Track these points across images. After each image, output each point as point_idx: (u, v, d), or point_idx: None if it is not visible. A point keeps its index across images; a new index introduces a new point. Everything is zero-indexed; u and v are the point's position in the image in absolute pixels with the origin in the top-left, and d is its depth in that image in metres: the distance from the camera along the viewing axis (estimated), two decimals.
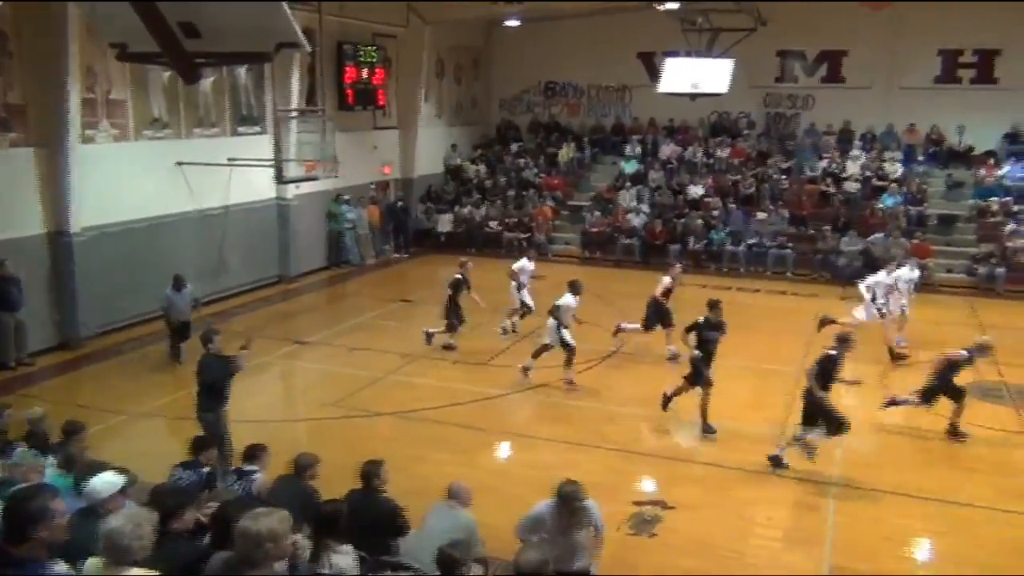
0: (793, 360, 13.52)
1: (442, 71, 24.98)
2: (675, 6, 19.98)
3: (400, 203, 22.90)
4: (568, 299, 12.47)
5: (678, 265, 15.19)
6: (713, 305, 10.72)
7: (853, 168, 22.40)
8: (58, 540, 3.86)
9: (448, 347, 14.16)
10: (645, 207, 22.73)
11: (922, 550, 8.32)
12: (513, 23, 24.17)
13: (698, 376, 10.63)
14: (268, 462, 7.02)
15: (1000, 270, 18.93)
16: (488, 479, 9.20)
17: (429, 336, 14.34)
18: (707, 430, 10.66)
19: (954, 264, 19.80)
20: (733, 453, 10.11)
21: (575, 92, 26.74)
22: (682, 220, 21.75)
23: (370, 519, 6.25)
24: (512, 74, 27.00)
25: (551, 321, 12.38)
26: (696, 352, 10.59)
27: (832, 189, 21.97)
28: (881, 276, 14.29)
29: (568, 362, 12.45)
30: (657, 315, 13.86)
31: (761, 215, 21.53)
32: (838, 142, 23.41)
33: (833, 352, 9.44)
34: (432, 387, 12.53)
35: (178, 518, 5.01)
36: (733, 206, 22.04)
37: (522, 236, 22.43)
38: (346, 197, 20.72)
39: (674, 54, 19.98)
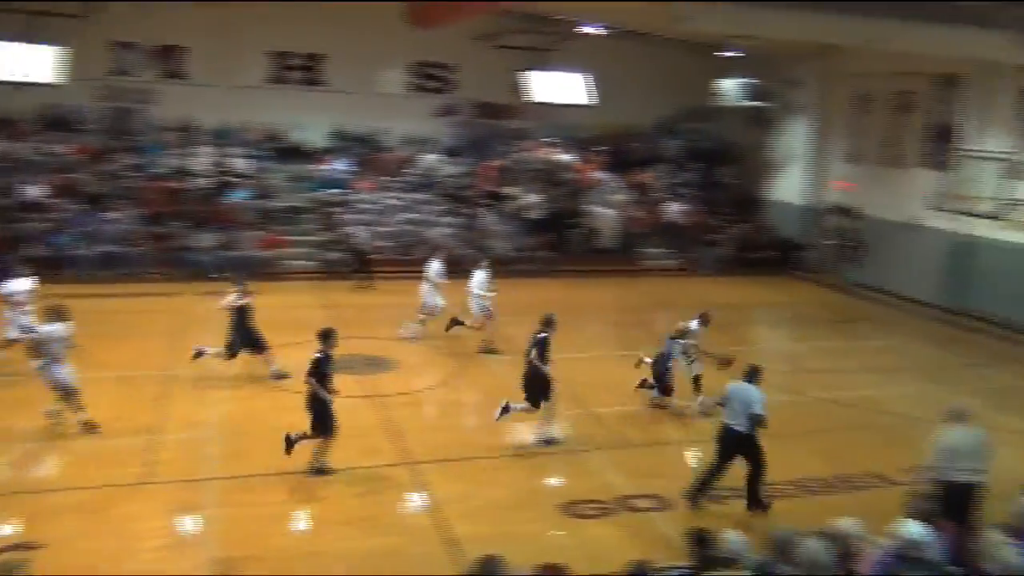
0: (162, 363, 13.31)
1: None
2: None
3: None
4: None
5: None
6: (327, 335, 9.89)
7: (201, 164, 22.63)
8: None
9: None
10: None
11: (300, 519, 8.97)
12: None
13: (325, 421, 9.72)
14: None
15: (341, 255, 21.10)
16: None
17: None
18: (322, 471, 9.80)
19: (302, 252, 21.47)
20: (103, 471, 9.50)
21: None
22: (19, 225, 19.43)
23: None
24: None
25: None
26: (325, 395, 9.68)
27: (183, 185, 21.92)
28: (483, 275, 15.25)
29: None
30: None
31: (112, 215, 20.44)
32: (185, 138, 23.38)
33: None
34: None
35: None
36: (79, 206, 20.47)
37: None
38: None
39: None
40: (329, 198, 22.79)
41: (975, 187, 17.80)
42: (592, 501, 9.29)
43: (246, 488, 9.41)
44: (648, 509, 9.20)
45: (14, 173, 20.90)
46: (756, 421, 8.87)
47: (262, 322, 13.20)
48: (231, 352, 12.83)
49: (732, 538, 5.47)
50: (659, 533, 8.65)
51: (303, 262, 21.24)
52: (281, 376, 12.74)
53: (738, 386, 9.15)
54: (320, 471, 9.73)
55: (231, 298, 12.82)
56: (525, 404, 10.85)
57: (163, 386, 12.37)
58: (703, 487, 9.20)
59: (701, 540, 5.65)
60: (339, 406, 11.84)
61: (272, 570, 7.79)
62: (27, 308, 12.58)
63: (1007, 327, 18.06)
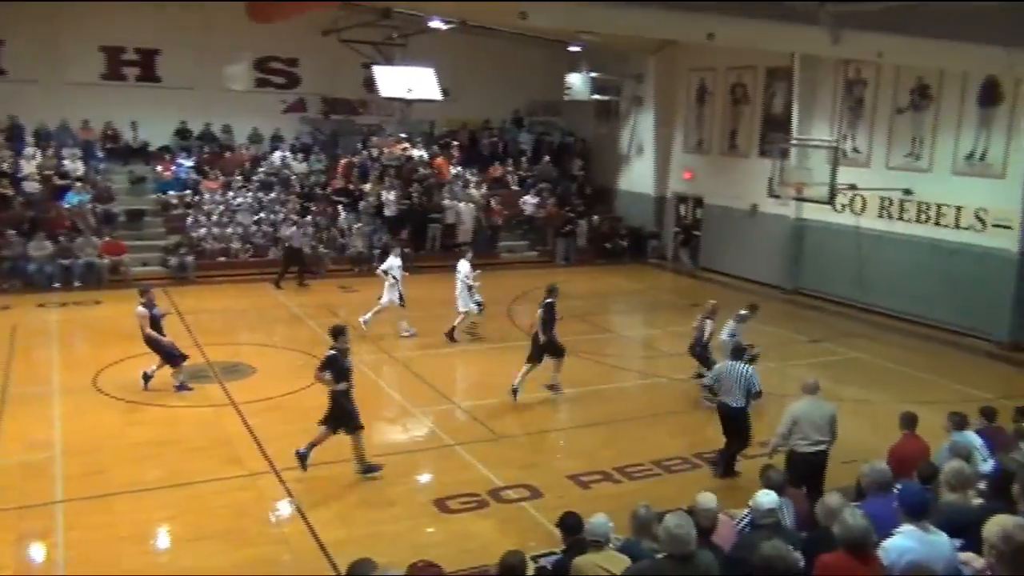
0: None
1: None
2: None
3: None
4: None
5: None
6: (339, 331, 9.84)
7: (30, 167, 21.11)
8: None
9: None
10: None
11: (161, 537, 8.56)
12: None
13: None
14: None
15: (190, 258, 20.25)
16: None
17: None
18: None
19: (147, 257, 20.43)
20: None
21: None
22: None
23: None
24: None
25: None
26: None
27: (10, 191, 20.37)
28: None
29: None
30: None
31: None
32: (8, 140, 21.75)
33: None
34: None
35: None
36: None
37: None
38: None
39: None
40: (174, 199, 21.79)
41: (805, 174, 19.03)
42: (464, 495, 9.31)
43: (101, 509, 8.87)
44: (521, 500, 9.30)
45: None
46: (756, 397, 9.74)
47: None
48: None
49: (598, 521, 5.64)
50: (534, 522, 8.78)
51: (148, 267, 20.22)
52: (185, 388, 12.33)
53: (730, 366, 9.88)
54: (370, 469, 9.69)
55: (140, 310, 12.18)
56: (529, 365, 12.25)
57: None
58: (731, 460, 9.94)
59: (569, 526, 5.81)
60: (198, 416, 11.50)
61: None
62: None
63: (840, 303, 19.44)
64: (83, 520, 8.60)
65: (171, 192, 21.95)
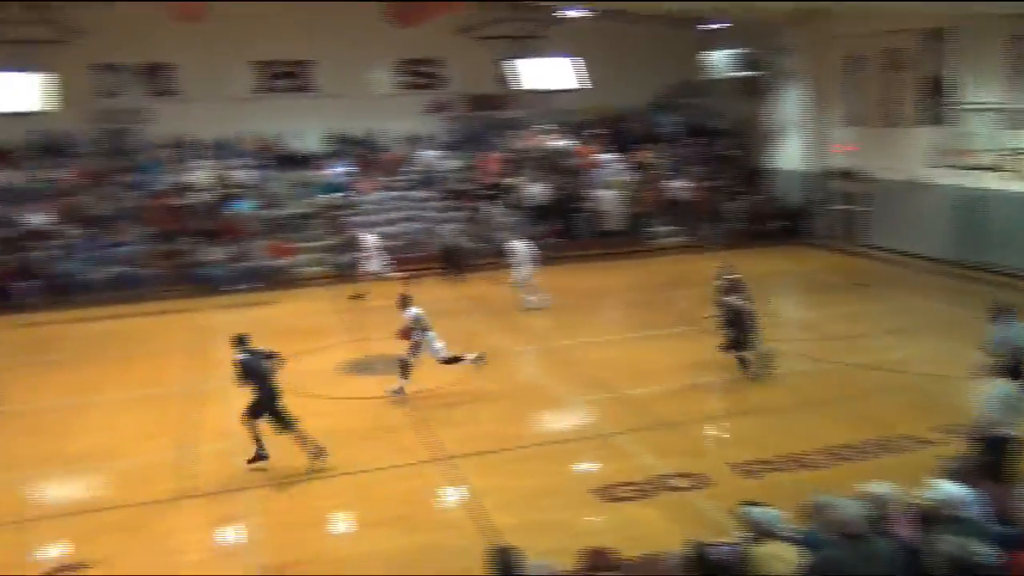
0: (187, 379, 13.39)
1: None
2: None
3: None
4: None
5: None
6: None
7: (201, 178, 22.67)
8: None
9: None
10: None
11: (338, 523, 9.01)
12: None
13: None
14: None
15: (351, 257, 20.99)
16: None
17: None
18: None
19: (315, 258, 21.46)
20: (144, 488, 9.59)
21: None
22: (27, 254, 19.45)
23: None
24: None
25: None
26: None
27: (186, 201, 21.94)
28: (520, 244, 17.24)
29: None
30: None
31: (119, 236, 20.46)
32: (182, 154, 23.42)
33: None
34: None
35: None
36: (84, 231, 20.50)
37: None
38: None
39: None
40: (331, 202, 22.81)
41: (974, 140, 17.70)
42: (627, 484, 9.28)
43: (283, 495, 9.45)
44: (686, 488, 9.20)
45: (14, 202, 20.95)
46: None
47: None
48: None
49: (769, 512, 5.47)
50: (698, 511, 8.66)
51: (314, 268, 21.26)
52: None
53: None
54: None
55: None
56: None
57: (189, 401, 12.43)
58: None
59: (752, 518, 5.64)
60: (366, 407, 12.00)
61: (321, 571, 7.83)
62: None
63: (1018, 277, 18.00)
64: (269, 505, 9.19)
65: (329, 195, 22.98)
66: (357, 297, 18.42)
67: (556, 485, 9.48)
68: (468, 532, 8.47)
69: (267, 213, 22.16)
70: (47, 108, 18.37)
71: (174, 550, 8.30)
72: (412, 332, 12.01)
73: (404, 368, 12.06)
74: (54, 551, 8.50)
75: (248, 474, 9.89)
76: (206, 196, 22.21)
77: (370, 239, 19.09)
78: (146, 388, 13.06)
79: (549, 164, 24.50)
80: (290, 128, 24.28)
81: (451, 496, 9.43)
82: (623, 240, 23.13)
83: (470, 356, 12.48)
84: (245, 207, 21.94)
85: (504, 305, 17.14)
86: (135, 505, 9.22)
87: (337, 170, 23.70)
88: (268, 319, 17.61)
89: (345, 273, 20.63)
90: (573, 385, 12.81)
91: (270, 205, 22.49)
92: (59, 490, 9.97)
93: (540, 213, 23.14)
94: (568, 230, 23.13)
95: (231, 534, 8.80)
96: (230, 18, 21.90)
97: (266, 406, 9.85)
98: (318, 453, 9.92)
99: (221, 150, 23.73)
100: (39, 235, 20.19)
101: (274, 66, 24.38)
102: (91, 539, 8.52)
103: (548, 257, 21.33)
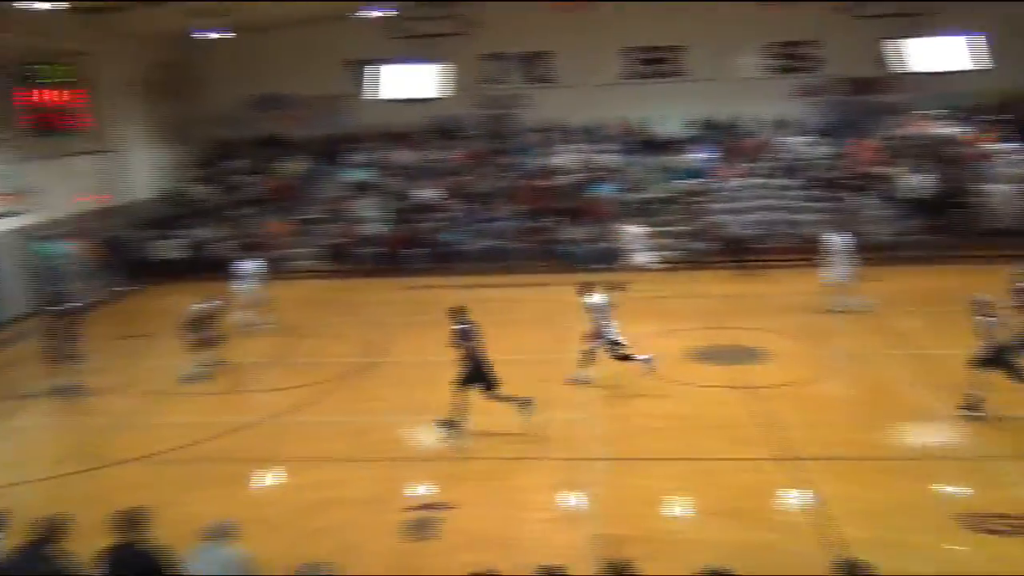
0: (544, 349, 14.23)
1: (150, 89, 23.31)
2: (383, 13, 20.24)
3: (117, 233, 21.10)
4: None
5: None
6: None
7: (568, 161, 23.84)
8: None
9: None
10: (380, 215, 22.73)
11: (675, 506, 9.05)
12: (212, 35, 22.75)
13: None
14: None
15: (711, 244, 20.92)
16: (252, 510, 8.81)
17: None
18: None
19: (668, 243, 21.57)
20: (502, 444, 10.41)
21: (293, 104, 26.10)
22: (418, 224, 21.98)
23: (131, 573, 5.78)
24: (226, 88, 25.75)
25: None
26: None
27: (554, 182, 23.23)
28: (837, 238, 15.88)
29: None
30: None
31: (494, 212, 22.29)
32: (554, 138, 24.81)
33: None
34: (180, 424, 11.73)
35: None
36: (466, 206, 22.63)
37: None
38: (51, 232, 18.70)
39: (386, 61, 20.24)
40: (692, 187, 22.75)
41: None
42: (1001, 516, 8.19)
43: (627, 471, 9.73)
44: None
45: (410, 179, 23.79)
46: None
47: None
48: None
49: None
50: None
51: (668, 252, 21.40)
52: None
53: None
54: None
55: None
56: None
57: (544, 369, 13.20)
58: None
59: None
60: (709, 396, 11.90)
61: (653, 552, 7.92)
62: None
63: None
64: (612, 479, 9.54)
65: (689, 180, 22.94)
66: (616, 288, 18.25)
67: (915, 504, 8.66)
68: (808, 538, 8.07)
69: (628, 196, 22.70)
70: (442, 95, 20.50)
71: (521, 506, 8.93)
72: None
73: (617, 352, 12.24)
74: (421, 489, 9.55)
75: (592, 445, 10.32)
76: (572, 178, 23.33)
77: (634, 230, 18.60)
78: (506, 354, 14.02)
79: (933, 153, 22.17)
80: (654, 113, 24.62)
81: (794, 498, 9.02)
82: (1017, 241, 20.23)
83: (641, 357, 12.28)
84: (607, 190, 22.70)
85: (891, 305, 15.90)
86: (490, 459, 10.07)
87: (699, 155, 23.58)
88: (619, 299, 18.07)
89: (697, 259, 20.51)
90: (941, 396, 11.54)
91: (631, 188, 23.01)
92: (425, 436, 11.14)
93: (918, 207, 21.07)
94: (950, 227, 20.79)
95: (572, 500, 9.24)
96: (603, 6, 22.70)
97: (476, 374, 10.53)
98: (525, 403, 10.53)
99: (587, 134, 24.74)
100: (428, 208, 22.70)
101: (644, 52, 24.84)
102: (452, 484, 9.45)
103: (926, 256, 19.47)
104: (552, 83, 25.05)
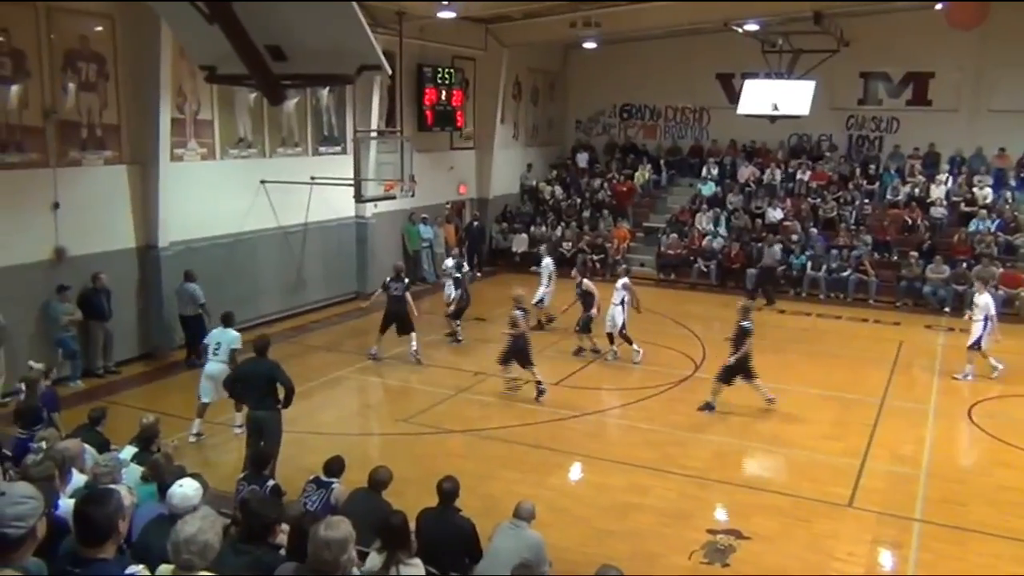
0: (876, 390, 13.20)
1: (519, 93, 25.11)
2: (755, 28, 19.89)
3: (476, 223, 23.04)
4: None
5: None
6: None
7: (938, 193, 21.69)
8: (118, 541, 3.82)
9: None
10: (722, 230, 22.36)
11: None
12: (590, 45, 24.20)
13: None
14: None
15: None
16: (557, 500, 9.17)
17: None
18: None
19: None
20: (811, 484, 9.80)
21: (652, 114, 26.61)
22: (759, 244, 21.25)
23: (445, 537, 6.27)
24: (588, 96, 27.01)
25: None
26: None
27: (919, 215, 21.26)
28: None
29: None
30: None
31: (844, 239, 20.88)
32: (923, 166, 22.75)
33: None
34: (504, 406, 12.52)
35: (273, 532, 4.95)
36: (813, 230, 21.48)
37: (596, 257, 22.33)
38: (423, 216, 20.98)
39: (754, 76, 19.90)
40: None
41: None
42: None
43: (951, 539, 8.65)
44: None
45: (761, 197, 23.10)
46: None
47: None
48: None
49: None
50: None
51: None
52: None
53: None
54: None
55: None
56: None
57: (875, 413, 12.21)
58: None
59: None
60: None
61: None
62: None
63: None
64: (935, 545, 8.53)
65: None
66: None
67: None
68: None
69: (1004, 237, 20.06)
70: (808, 113, 19.60)
71: (825, 551, 8.33)
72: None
73: None
74: (720, 513, 9.29)
75: (917, 504, 9.31)
76: (942, 211, 21.16)
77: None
78: (839, 391, 13.20)
79: None
80: None
81: None
82: None
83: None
84: (982, 227, 20.22)
85: None
86: (803, 498, 9.45)
87: None
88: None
89: None
90: None
91: (1010, 229, 20.27)
92: (741, 463, 10.81)
93: None
94: None
95: (886, 559, 8.44)
96: (1003, 27, 20.23)
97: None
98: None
99: (969, 165, 22.29)
100: (774, 228, 21.80)
101: None
102: (753, 514, 9.05)
103: None
104: (927, 106, 22.83)
